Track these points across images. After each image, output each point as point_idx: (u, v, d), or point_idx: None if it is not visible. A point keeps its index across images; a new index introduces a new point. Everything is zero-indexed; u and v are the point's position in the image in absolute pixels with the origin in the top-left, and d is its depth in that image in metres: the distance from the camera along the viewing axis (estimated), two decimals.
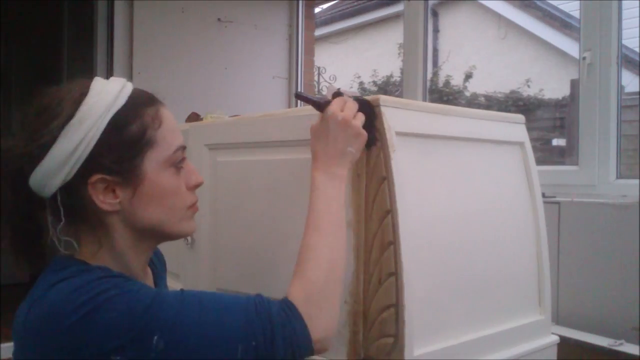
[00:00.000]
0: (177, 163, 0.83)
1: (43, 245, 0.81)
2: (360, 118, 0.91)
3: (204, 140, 1.27)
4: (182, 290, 0.79)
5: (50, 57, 4.13)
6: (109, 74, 2.78)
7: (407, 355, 0.89)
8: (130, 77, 2.73)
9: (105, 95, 0.78)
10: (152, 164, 0.80)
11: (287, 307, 0.76)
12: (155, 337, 0.68)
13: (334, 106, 0.90)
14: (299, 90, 3.38)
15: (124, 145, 0.77)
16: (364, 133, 0.90)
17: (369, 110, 0.93)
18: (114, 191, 0.78)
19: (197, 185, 0.87)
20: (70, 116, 0.75)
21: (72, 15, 3.54)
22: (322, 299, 0.79)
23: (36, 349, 0.71)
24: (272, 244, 1.10)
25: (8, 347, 2.60)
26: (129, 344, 0.67)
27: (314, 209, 0.86)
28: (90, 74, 2.89)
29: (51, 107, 0.77)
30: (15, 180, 0.78)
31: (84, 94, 0.77)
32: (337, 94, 0.95)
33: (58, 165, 0.75)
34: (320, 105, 0.93)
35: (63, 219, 0.77)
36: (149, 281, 0.92)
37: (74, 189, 0.77)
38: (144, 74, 2.77)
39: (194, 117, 1.69)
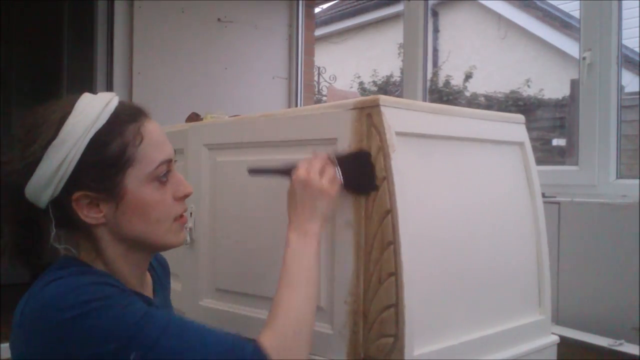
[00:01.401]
0: (160, 177, 0.84)
1: (42, 251, 0.85)
2: (328, 174, 0.92)
3: (204, 140, 1.27)
4: (170, 314, 0.82)
5: (50, 57, 4.13)
6: (109, 74, 2.78)
7: (407, 355, 0.89)
8: (130, 77, 2.74)
9: (86, 116, 0.80)
10: (133, 180, 0.82)
11: (260, 353, 0.78)
12: (133, 354, 0.71)
13: (299, 170, 0.93)
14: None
15: (104, 163, 0.80)
16: (328, 189, 0.91)
17: (365, 159, 0.92)
18: (98, 205, 0.82)
19: (186, 196, 0.88)
20: (53, 137, 0.79)
21: (72, 15, 3.54)
22: (290, 350, 0.82)
23: (25, 341, 0.75)
24: (272, 244, 1.10)
25: (8, 347, 2.60)
26: (107, 356, 0.70)
27: (286, 265, 0.89)
28: (90, 74, 2.91)
29: (37, 126, 0.81)
30: (13, 191, 0.82)
31: (67, 113, 0.80)
32: (314, 153, 0.95)
33: (44, 183, 0.79)
34: (286, 171, 0.95)
35: (54, 229, 0.81)
36: (148, 288, 0.94)
37: (61, 203, 0.81)
38: (144, 74, 2.77)
39: (194, 117, 1.69)
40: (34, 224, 0.84)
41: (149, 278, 0.96)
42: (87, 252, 0.85)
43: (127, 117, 0.83)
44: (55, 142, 0.78)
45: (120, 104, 0.85)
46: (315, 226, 0.91)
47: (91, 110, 0.81)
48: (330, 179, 0.92)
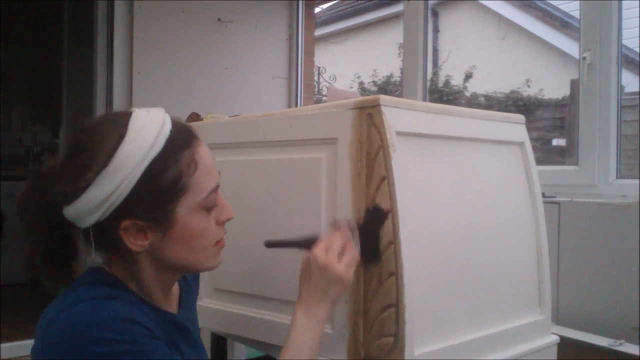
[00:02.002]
0: (209, 205, 0.82)
1: (73, 267, 0.83)
2: (347, 258, 0.87)
3: (204, 140, 1.26)
4: None
5: (50, 57, 4.13)
6: (109, 74, 2.78)
7: (407, 355, 0.89)
8: (130, 77, 2.74)
9: (143, 141, 0.76)
10: (184, 209, 0.79)
11: None
12: None
13: (318, 248, 0.87)
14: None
15: (158, 192, 0.77)
16: (344, 276, 0.86)
17: (379, 218, 0.90)
18: (145, 232, 0.78)
19: (227, 220, 0.87)
20: (106, 163, 0.74)
21: (72, 15, 3.54)
22: None
23: (46, 355, 0.73)
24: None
25: (8, 347, 2.60)
26: None
27: (289, 345, 0.87)
28: (90, 74, 2.90)
29: (88, 149, 0.76)
30: (51, 208, 0.79)
31: (121, 136, 0.76)
32: (333, 224, 0.91)
33: (91, 209, 0.75)
34: (305, 244, 0.90)
35: (94, 253, 0.79)
36: (174, 301, 0.92)
37: (106, 228, 0.77)
38: (144, 74, 2.77)
39: (194, 117, 1.69)
40: (68, 239, 0.82)
41: (176, 288, 0.94)
42: (121, 271, 0.82)
43: (182, 142, 0.80)
44: (109, 169, 0.74)
45: (174, 125, 0.81)
46: (324, 311, 0.87)
47: (147, 135, 0.76)
48: (349, 263, 0.87)
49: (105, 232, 0.78)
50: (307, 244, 0.89)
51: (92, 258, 0.81)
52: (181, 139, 0.80)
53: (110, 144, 0.75)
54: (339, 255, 0.86)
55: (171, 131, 0.79)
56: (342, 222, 0.90)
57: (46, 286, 0.83)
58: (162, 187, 0.77)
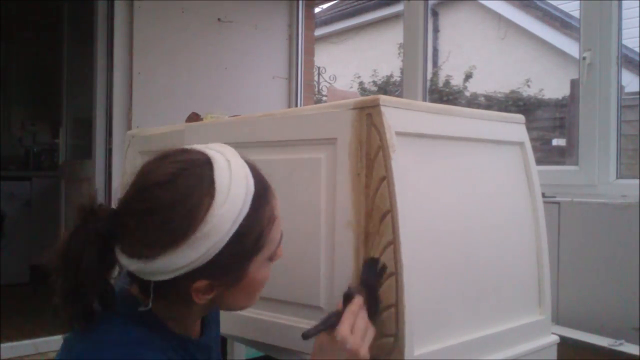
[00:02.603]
0: (275, 256, 0.81)
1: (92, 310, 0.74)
2: (369, 337, 0.84)
3: (204, 140, 1.26)
4: None
5: (50, 57, 4.13)
6: (109, 74, 2.78)
7: (407, 355, 0.89)
8: (130, 77, 2.74)
9: (233, 204, 0.70)
10: (257, 264, 0.77)
11: None
12: None
13: (344, 328, 0.81)
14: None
15: (241, 254, 0.74)
16: (367, 356, 0.83)
17: (376, 271, 0.89)
18: (213, 288, 0.75)
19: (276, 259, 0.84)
20: (195, 230, 0.68)
21: (72, 15, 3.54)
22: None
23: None
24: None
25: (8, 347, 2.60)
26: None
27: None
28: (90, 74, 2.90)
29: (173, 210, 0.69)
30: (105, 249, 0.71)
31: (211, 198, 0.70)
32: (348, 295, 0.87)
33: (168, 271, 0.70)
34: (331, 324, 0.85)
35: (151, 302, 0.73)
36: (198, 324, 0.89)
37: (175, 283, 0.71)
38: (144, 74, 2.77)
39: (194, 117, 1.69)
40: (104, 280, 0.74)
41: None
42: (164, 310, 0.76)
43: (264, 199, 0.76)
44: (197, 236, 0.68)
45: (254, 178, 0.76)
46: None
47: (237, 196, 0.71)
48: (369, 340, 0.84)
49: (171, 285, 0.72)
50: (331, 323, 0.85)
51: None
52: (263, 196, 0.76)
53: (200, 208, 0.69)
54: (362, 337, 0.82)
55: (255, 187, 0.75)
56: (354, 290, 0.88)
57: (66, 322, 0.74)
58: (246, 248, 0.74)
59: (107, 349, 0.70)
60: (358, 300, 0.86)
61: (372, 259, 0.90)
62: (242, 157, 0.79)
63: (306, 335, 0.83)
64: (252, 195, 0.73)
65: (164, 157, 0.76)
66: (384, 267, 0.89)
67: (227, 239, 0.70)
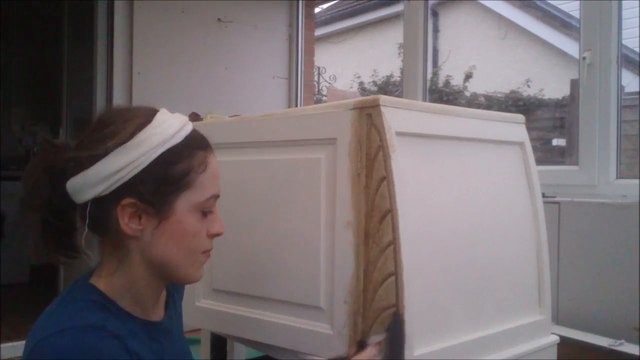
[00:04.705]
0: (205, 209, 0.85)
1: (74, 241, 0.84)
2: None
3: None
4: None
5: (50, 57, 4.13)
6: (109, 74, 2.78)
7: (407, 355, 0.89)
8: (130, 77, 2.74)
9: (165, 130, 0.81)
10: (183, 204, 0.82)
11: None
12: None
13: None
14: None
15: (166, 180, 0.81)
16: None
17: (399, 331, 0.89)
18: (140, 217, 0.81)
19: (217, 235, 0.88)
20: (128, 138, 0.79)
21: (72, 15, 3.54)
22: None
23: None
24: (271, 244, 1.10)
25: (8, 347, 2.60)
26: None
27: None
28: (90, 74, 2.90)
29: (114, 124, 0.81)
30: (56, 178, 0.81)
31: (147, 121, 0.81)
32: (362, 343, 0.90)
33: (99, 179, 0.78)
34: None
35: (87, 228, 0.80)
36: (161, 305, 0.93)
37: (105, 204, 0.79)
38: (144, 74, 2.77)
39: (194, 117, 1.69)
40: (64, 214, 0.83)
41: (163, 295, 0.95)
42: (110, 263, 0.83)
43: (198, 143, 0.85)
44: (128, 144, 0.78)
45: (194, 129, 0.87)
46: None
47: (170, 126, 0.82)
48: None
49: (101, 208, 0.79)
50: None
51: (85, 237, 0.81)
52: (198, 141, 0.86)
53: (135, 124, 0.80)
54: None
55: (191, 132, 0.85)
56: (371, 340, 0.89)
57: (51, 262, 0.85)
58: (171, 175, 0.81)
59: (64, 336, 0.74)
60: (370, 351, 0.88)
61: (396, 314, 0.89)
62: (202, 134, 0.89)
63: None
64: (187, 135, 0.84)
65: None
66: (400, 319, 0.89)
67: (153, 155, 0.79)
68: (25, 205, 0.82)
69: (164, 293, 0.95)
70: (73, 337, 0.74)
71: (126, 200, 0.79)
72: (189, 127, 0.85)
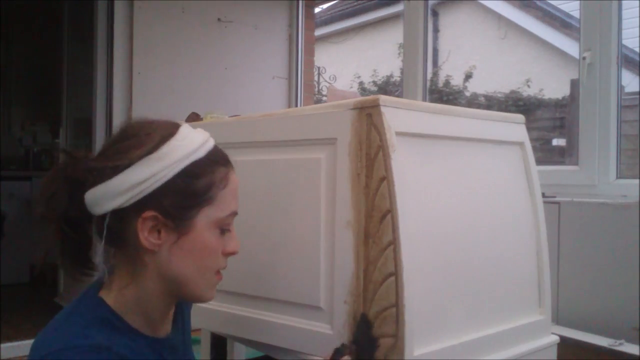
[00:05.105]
0: (224, 226, 0.85)
1: (89, 255, 0.83)
2: None
3: None
4: None
5: (50, 57, 4.13)
6: (109, 74, 2.78)
7: (407, 355, 0.89)
8: (130, 77, 2.74)
9: (189, 143, 0.81)
10: (204, 219, 0.82)
11: None
12: None
13: None
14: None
15: (188, 193, 0.80)
16: None
17: (369, 330, 0.89)
18: (159, 232, 0.79)
19: (232, 254, 0.88)
20: (153, 150, 0.78)
21: (72, 15, 3.54)
22: None
23: None
24: (271, 244, 1.10)
25: (8, 347, 2.60)
26: None
27: None
28: (90, 74, 2.90)
29: (137, 136, 0.80)
30: (74, 189, 0.80)
31: (171, 134, 0.81)
32: (339, 350, 0.91)
33: (121, 190, 0.77)
34: None
35: (103, 240, 0.79)
36: (169, 320, 0.92)
37: (124, 216, 0.79)
38: (144, 74, 2.77)
39: (194, 117, 1.69)
40: (81, 228, 0.82)
41: (171, 312, 0.94)
42: (123, 276, 0.82)
43: (221, 159, 0.85)
44: (152, 156, 0.78)
45: (215, 145, 0.86)
46: None
47: (194, 140, 0.82)
48: None
49: (122, 220, 0.78)
50: None
51: (101, 259, 0.80)
52: (220, 157, 0.86)
53: (160, 136, 0.80)
54: None
55: (213, 147, 0.85)
56: (347, 348, 0.91)
57: (67, 274, 0.84)
58: (193, 189, 0.80)
59: (70, 354, 0.73)
60: (345, 354, 0.89)
61: (363, 315, 0.90)
62: (223, 150, 0.89)
63: None
64: (210, 151, 0.84)
65: None
66: (370, 325, 0.90)
67: (177, 169, 0.79)
68: (42, 217, 0.81)
69: (170, 314, 0.94)
70: (79, 356, 0.73)
71: (147, 213, 0.78)
72: (211, 142, 0.85)
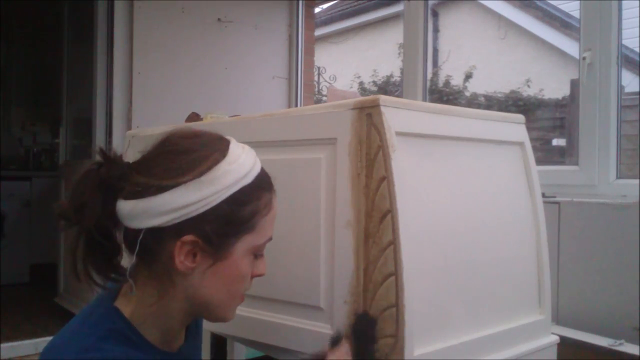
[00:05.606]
0: (259, 251, 0.83)
1: (117, 261, 0.80)
2: None
3: None
4: None
5: (50, 57, 4.13)
6: (109, 74, 2.78)
7: (407, 355, 0.89)
8: (130, 77, 2.74)
9: (240, 167, 0.78)
10: (243, 246, 0.79)
11: None
12: None
13: None
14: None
15: (232, 221, 0.77)
16: None
17: (370, 325, 0.89)
18: (195, 255, 0.76)
19: (260, 275, 0.86)
20: (203, 173, 0.75)
21: (72, 15, 3.54)
22: None
23: None
24: (271, 244, 1.09)
25: (8, 347, 2.60)
26: None
27: None
28: (90, 74, 2.90)
29: (187, 153, 0.76)
30: (108, 195, 0.76)
31: (222, 155, 0.77)
32: (335, 339, 0.91)
33: (165, 210, 0.73)
34: None
35: (135, 255, 0.76)
36: (182, 334, 0.89)
37: (162, 236, 0.75)
38: (143, 74, 2.77)
39: (194, 117, 1.69)
40: (110, 236, 0.77)
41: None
42: (146, 291, 0.78)
43: (266, 184, 0.82)
44: (203, 179, 0.74)
45: (262, 168, 0.83)
46: None
47: (244, 164, 0.79)
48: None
49: (158, 239, 0.75)
50: None
51: (130, 266, 0.77)
52: (265, 182, 0.83)
53: (212, 158, 0.76)
54: None
55: (261, 170, 0.82)
56: (342, 335, 0.90)
57: (92, 283, 0.78)
58: (238, 217, 0.77)
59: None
60: (344, 348, 0.88)
61: (365, 313, 0.90)
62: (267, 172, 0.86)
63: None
64: (257, 175, 0.80)
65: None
66: (374, 321, 0.90)
67: (226, 194, 0.75)
68: (73, 223, 0.75)
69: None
70: None
71: (187, 237, 0.74)
72: (258, 165, 0.82)
